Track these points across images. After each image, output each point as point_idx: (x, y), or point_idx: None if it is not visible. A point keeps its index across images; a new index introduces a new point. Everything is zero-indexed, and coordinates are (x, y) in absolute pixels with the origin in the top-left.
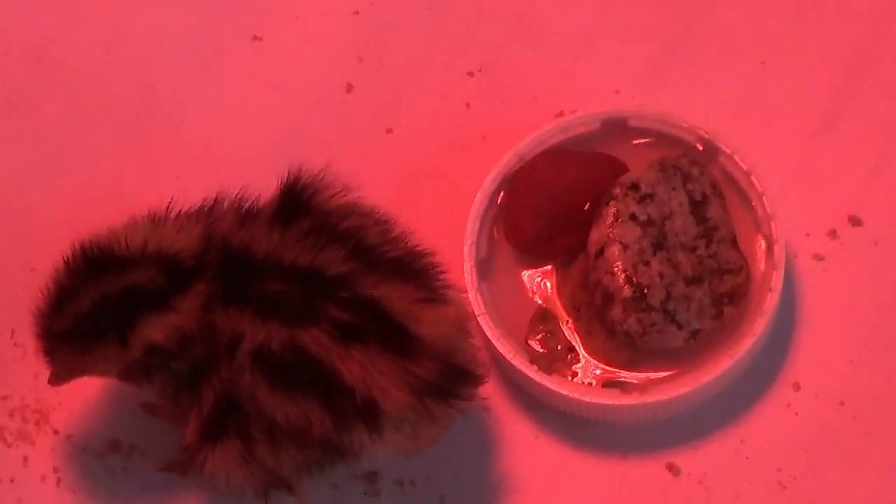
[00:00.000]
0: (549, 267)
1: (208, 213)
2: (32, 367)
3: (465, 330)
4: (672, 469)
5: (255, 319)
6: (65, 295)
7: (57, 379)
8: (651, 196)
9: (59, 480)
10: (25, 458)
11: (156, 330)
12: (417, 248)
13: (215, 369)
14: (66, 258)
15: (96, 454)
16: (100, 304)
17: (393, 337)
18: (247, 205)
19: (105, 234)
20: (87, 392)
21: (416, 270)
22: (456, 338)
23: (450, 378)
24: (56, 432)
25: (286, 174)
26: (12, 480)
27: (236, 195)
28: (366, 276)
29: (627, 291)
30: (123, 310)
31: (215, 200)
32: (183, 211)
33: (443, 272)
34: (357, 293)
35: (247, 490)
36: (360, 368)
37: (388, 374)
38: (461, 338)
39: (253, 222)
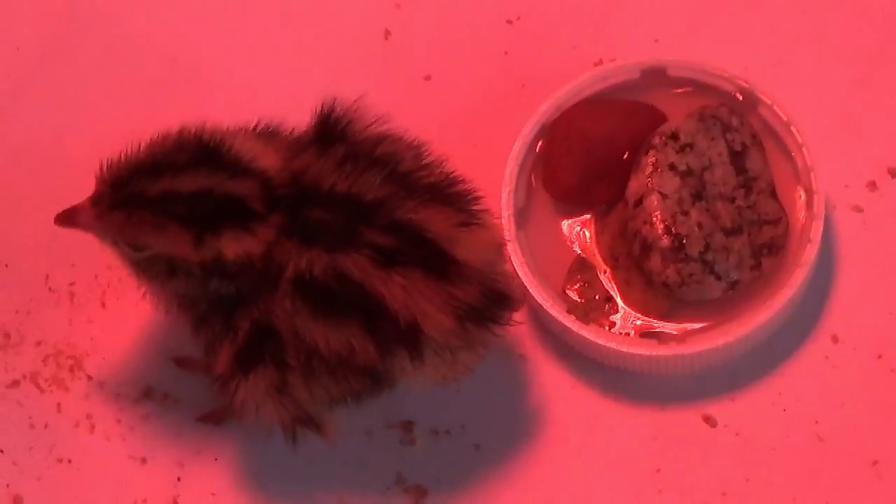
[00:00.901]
0: (587, 216)
1: (272, 138)
2: (66, 312)
3: (503, 254)
4: (709, 421)
5: (299, 247)
6: (167, 166)
7: (86, 225)
8: (690, 146)
9: (92, 427)
10: (59, 405)
11: (232, 246)
12: (452, 174)
13: (255, 299)
14: (181, 132)
15: (130, 400)
16: (203, 195)
17: (434, 261)
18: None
19: (217, 131)
20: (121, 338)
21: (452, 195)
22: (495, 262)
23: (490, 302)
24: (90, 378)
25: (320, 105)
26: (46, 426)
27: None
28: (404, 200)
29: (666, 241)
30: (218, 212)
31: (268, 126)
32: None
33: (478, 197)
34: (396, 217)
35: (275, 425)
36: (402, 292)
37: (430, 297)
38: (500, 262)
39: (294, 152)
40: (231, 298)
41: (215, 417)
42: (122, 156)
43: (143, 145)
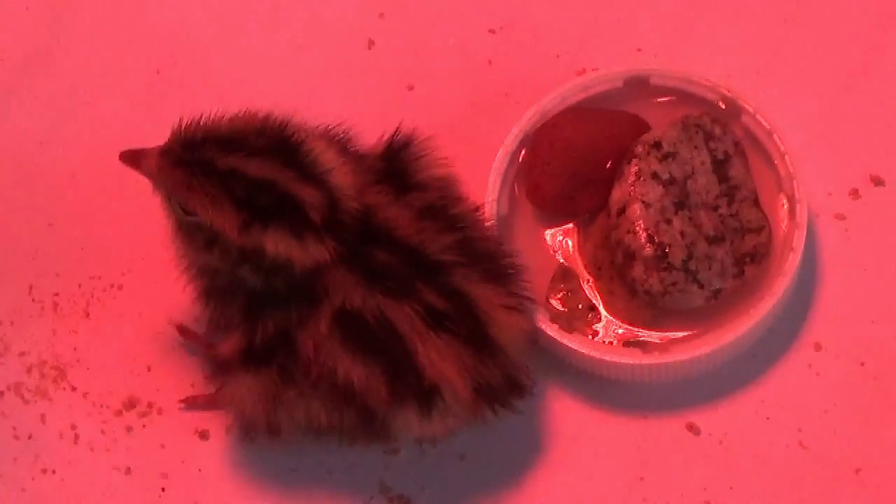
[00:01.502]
0: (570, 225)
1: (346, 154)
2: (50, 323)
3: (534, 344)
4: (692, 429)
5: (356, 281)
6: (243, 145)
7: (148, 172)
8: (673, 155)
9: (76, 437)
10: (43, 416)
11: (275, 244)
12: (506, 247)
13: (288, 308)
14: (268, 118)
15: (114, 411)
16: (267, 184)
17: (475, 334)
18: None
19: (304, 129)
20: (105, 349)
21: (506, 273)
22: (525, 351)
23: (507, 387)
24: (74, 389)
25: (393, 134)
26: (30, 437)
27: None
28: (465, 269)
29: (649, 250)
30: (274, 207)
31: (347, 138)
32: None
33: (525, 279)
34: (454, 284)
35: (244, 420)
36: (437, 355)
37: (459, 368)
38: (528, 351)
39: (364, 178)
40: (264, 295)
41: (204, 404)
42: (204, 120)
43: (227, 118)
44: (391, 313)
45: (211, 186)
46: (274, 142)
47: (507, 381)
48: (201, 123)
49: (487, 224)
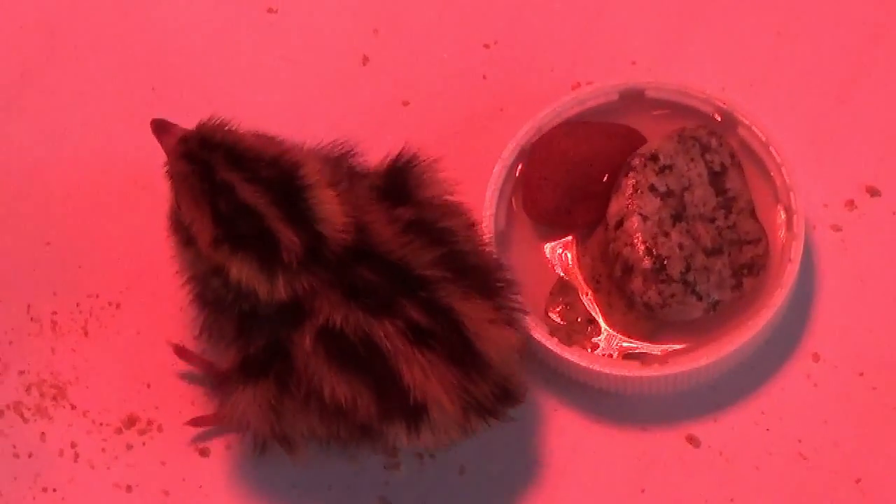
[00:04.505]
0: (569, 238)
1: (347, 174)
2: (49, 341)
3: (523, 355)
4: (692, 441)
5: (339, 299)
6: (247, 168)
7: (166, 147)
8: (670, 167)
9: (76, 455)
10: (43, 434)
11: (240, 271)
12: (500, 260)
13: (279, 324)
14: (286, 153)
15: (114, 429)
16: (250, 213)
17: (460, 350)
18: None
19: (307, 169)
20: (104, 366)
21: (494, 286)
22: (514, 363)
23: (497, 400)
24: (73, 407)
25: (397, 155)
26: (30, 455)
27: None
28: (449, 283)
29: (647, 263)
30: (251, 237)
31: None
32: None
33: (517, 291)
34: (438, 299)
35: (252, 434)
36: (421, 374)
37: (445, 386)
38: (518, 363)
39: (372, 207)
40: (254, 310)
41: (210, 421)
42: (230, 125)
43: (254, 135)
44: (373, 331)
45: (200, 191)
46: (279, 177)
47: (496, 394)
48: (226, 128)
49: (483, 238)
